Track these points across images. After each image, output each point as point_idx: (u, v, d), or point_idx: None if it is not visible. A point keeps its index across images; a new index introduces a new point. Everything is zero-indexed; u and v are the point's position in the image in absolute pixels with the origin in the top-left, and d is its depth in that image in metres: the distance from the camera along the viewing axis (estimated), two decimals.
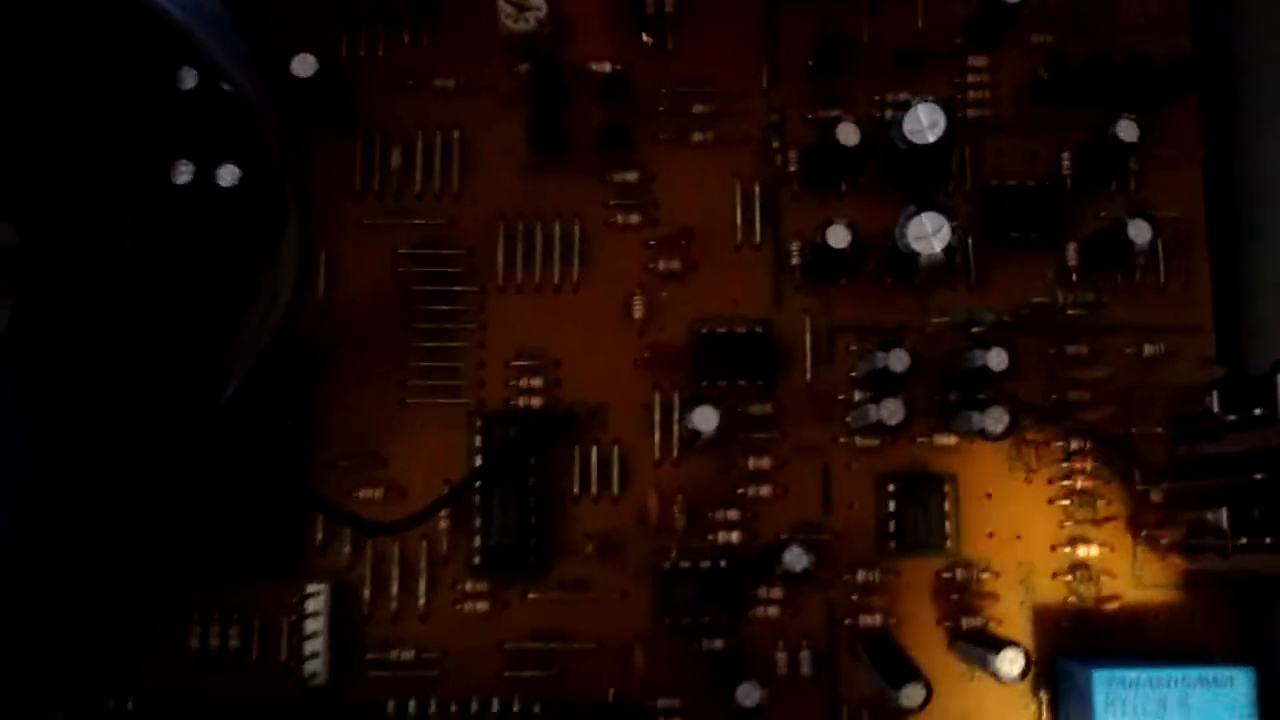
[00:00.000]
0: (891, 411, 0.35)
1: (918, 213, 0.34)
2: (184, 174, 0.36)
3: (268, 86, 0.31)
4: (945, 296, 0.38)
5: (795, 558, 0.34)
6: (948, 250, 0.34)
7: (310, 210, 0.32)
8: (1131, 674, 0.34)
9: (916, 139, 0.35)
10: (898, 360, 0.35)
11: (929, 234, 0.34)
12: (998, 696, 0.36)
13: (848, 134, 0.36)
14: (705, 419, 0.35)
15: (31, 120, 0.36)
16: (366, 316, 0.38)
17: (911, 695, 0.33)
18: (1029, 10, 0.37)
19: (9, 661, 0.34)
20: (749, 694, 0.34)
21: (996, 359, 0.35)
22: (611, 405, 0.38)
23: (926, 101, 0.34)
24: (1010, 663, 0.33)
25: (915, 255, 0.34)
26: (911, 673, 0.34)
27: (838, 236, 0.35)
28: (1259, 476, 0.32)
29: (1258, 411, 0.32)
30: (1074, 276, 0.38)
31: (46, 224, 0.35)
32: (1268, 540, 0.32)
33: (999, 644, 0.34)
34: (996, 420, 0.35)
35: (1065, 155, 0.38)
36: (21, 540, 0.31)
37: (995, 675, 0.33)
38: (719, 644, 0.36)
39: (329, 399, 0.37)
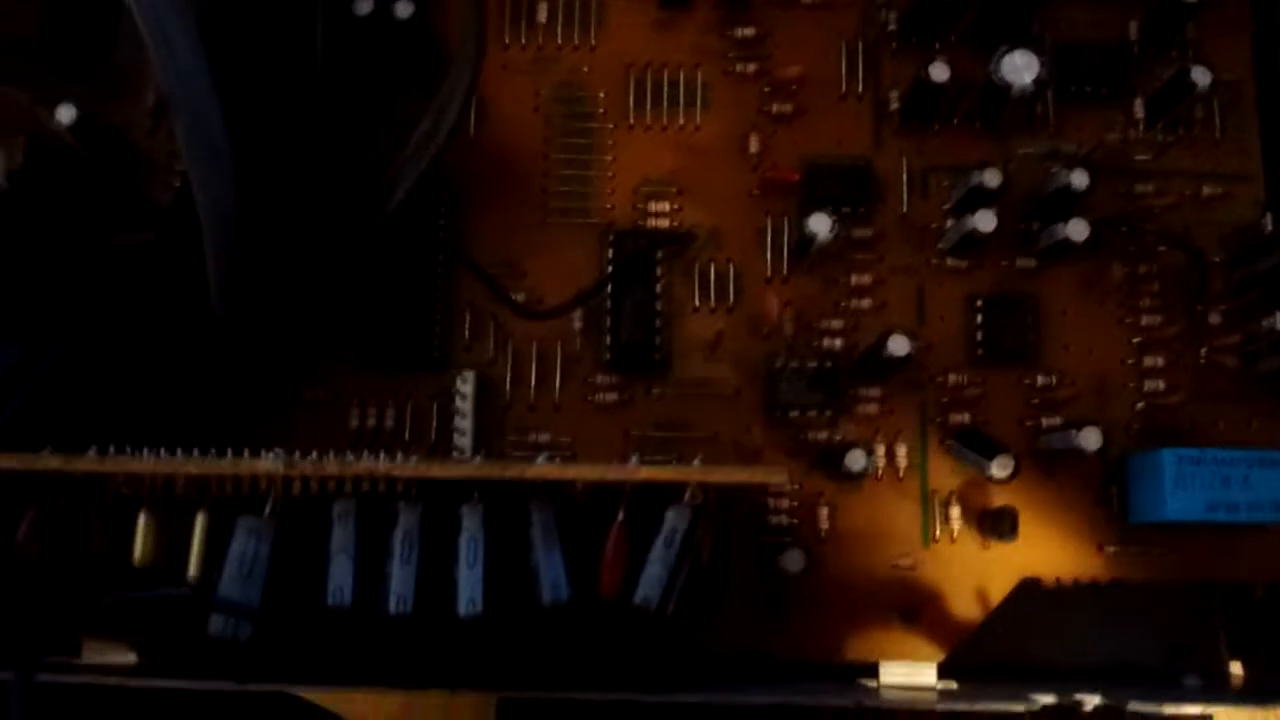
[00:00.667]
0: (984, 220, 0.39)
1: (1010, 50, 0.39)
2: (366, 6, 0.41)
3: None
4: (1027, 139, 0.43)
5: (898, 344, 0.38)
6: (1038, 81, 0.39)
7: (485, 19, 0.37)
8: (1199, 453, 0.38)
9: None
10: (991, 176, 0.39)
11: (1020, 68, 0.39)
12: (1077, 488, 0.40)
13: None
14: (819, 223, 0.39)
15: None
16: (511, 150, 0.43)
17: (1003, 464, 0.38)
18: None
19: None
20: (856, 459, 0.38)
21: (1079, 178, 0.39)
22: (728, 228, 0.42)
23: None
24: (1092, 439, 0.38)
25: (1008, 87, 0.39)
26: (1001, 448, 0.38)
27: (939, 71, 0.40)
28: None
29: None
30: (1141, 127, 0.43)
31: (250, 44, 0.40)
32: None
33: (1081, 424, 0.38)
34: (1079, 230, 0.39)
35: (1133, 22, 0.43)
36: (229, 287, 0.36)
37: (1078, 449, 0.38)
38: (823, 435, 0.41)
39: (478, 219, 0.42)
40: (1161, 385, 0.41)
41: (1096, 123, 0.43)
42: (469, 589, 0.31)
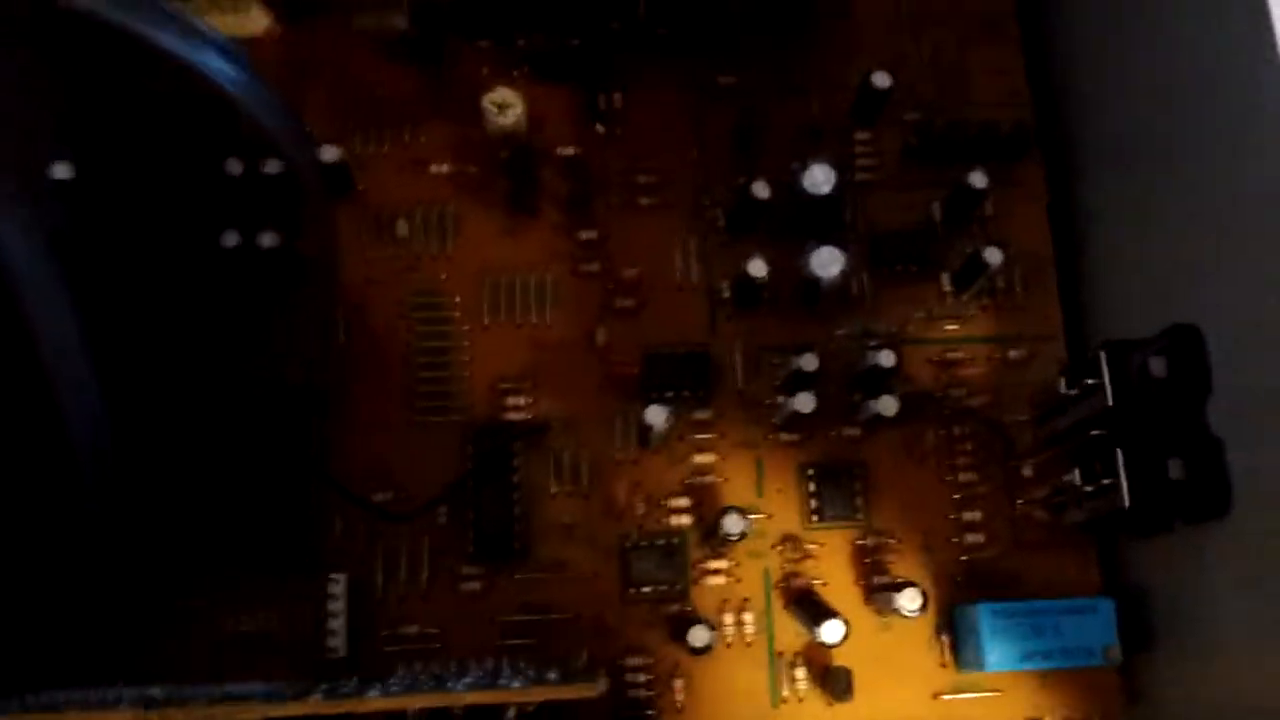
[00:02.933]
0: (804, 402, 0.43)
1: (818, 246, 0.43)
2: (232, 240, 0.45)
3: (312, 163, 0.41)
4: (846, 319, 0.47)
5: (733, 522, 0.42)
6: (843, 272, 0.43)
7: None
8: (1011, 606, 0.41)
9: (814, 190, 0.44)
10: (809, 361, 0.43)
11: (827, 263, 0.43)
12: (908, 642, 0.43)
13: (760, 189, 0.45)
14: (655, 415, 0.43)
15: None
16: (380, 356, 0.46)
17: (832, 630, 0.41)
18: (899, 94, 0.47)
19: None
20: (699, 636, 0.41)
21: (886, 358, 0.43)
22: (579, 417, 0.46)
23: (820, 162, 0.44)
24: (911, 599, 0.41)
25: (818, 280, 0.43)
26: (831, 613, 0.41)
27: (756, 268, 0.44)
28: (1094, 433, 0.40)
29: (1089, 382, 0.41)
30: (948, 299, 0.47)
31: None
32: (1105, 482, 0.40)
33: (901, 586, 0.41)
34: (889, 406, 0.43)
35: (936, 204, 0.48)
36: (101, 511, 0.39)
37: (899, 611, 0.41)
38: (675, 608, 0.44)
39: (347, 421, 0.45)
40: (982, 539, 0.44)
41: (909, 298, 0.47)
42: None
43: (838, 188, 0.44)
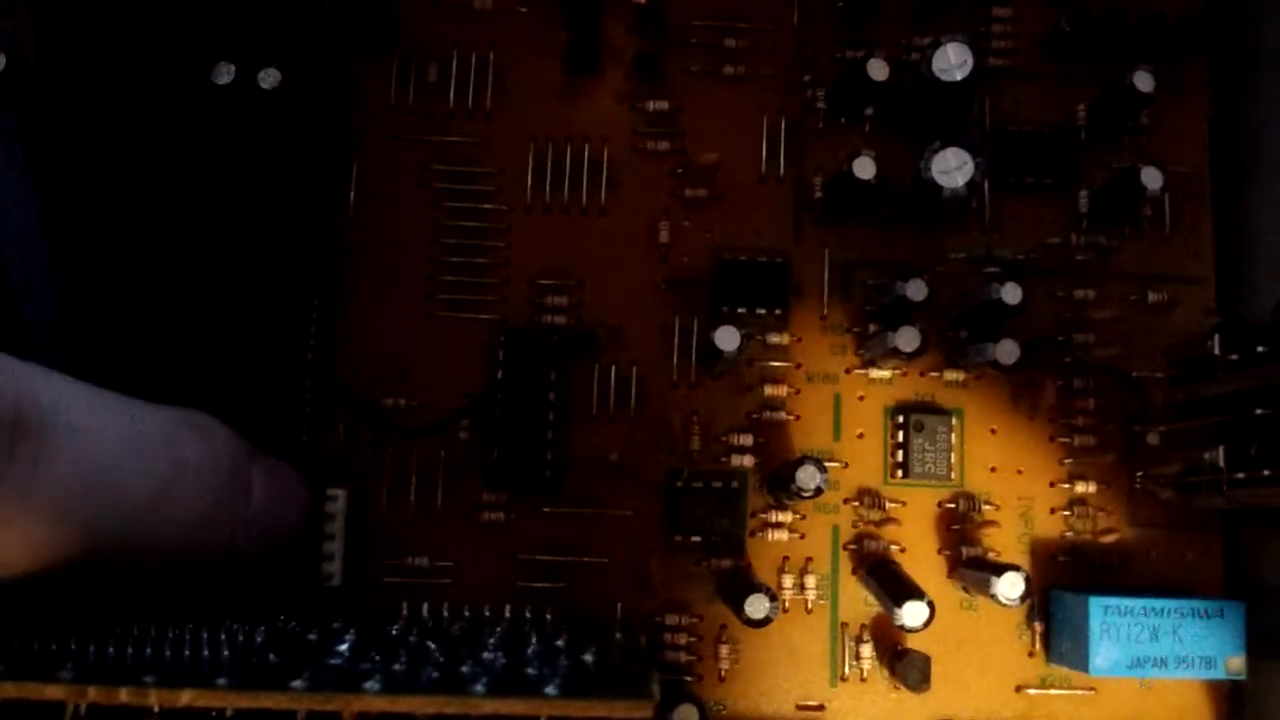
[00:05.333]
0: (907, 339, 0.36)
1: (943, 147, 0.35)
2: (225, 76, 0.36)
3: None
4: (959, 238, 0.39)
5: (809, 475, 0.35)
6: (970, 185, 0.35)
7: None
8: (1127, 602, 0.35)
9: (945, 76, 0.36)
10: (916, 289, 0.36)
11: (953, 168, 0.35)
12: (993, 627, 0.37)
13: (878, 69, 0.37)
14: (727, 337, 0.35)
15: None
16: (395, 230, 0.39)
17: (915, 613, 0.35)
18: None
19: None
20: (758, 605, 0.35)
21: (1012, 293, 0.36)
22: (632, 327, 0.38)
23: (956, 40, 0.36)
24: (1011, 585, 0.35)
25: (939, 189, 0.35)
26: (916, 592, 0.35)
27: (864, 167, 0.36)
28: (1259, 412, 0.33)
29: (1261, 349, 0.33)
30: (1084, 223, 0.39)
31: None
32: (1266, 473, 0.33)
33: (1000, 568, 0.35)
34: (1009, 352, 0.36)
35: (1081, 107, 0.39)
36: None
37: (995, 598, 0.35)
38: (728, 563, 0.37)
39: (355, 308, 0.38)
40: (1092, 514, 0.38)
41: (1036, 216, 0.39)
42: None
43: (974, 73, 0.36)
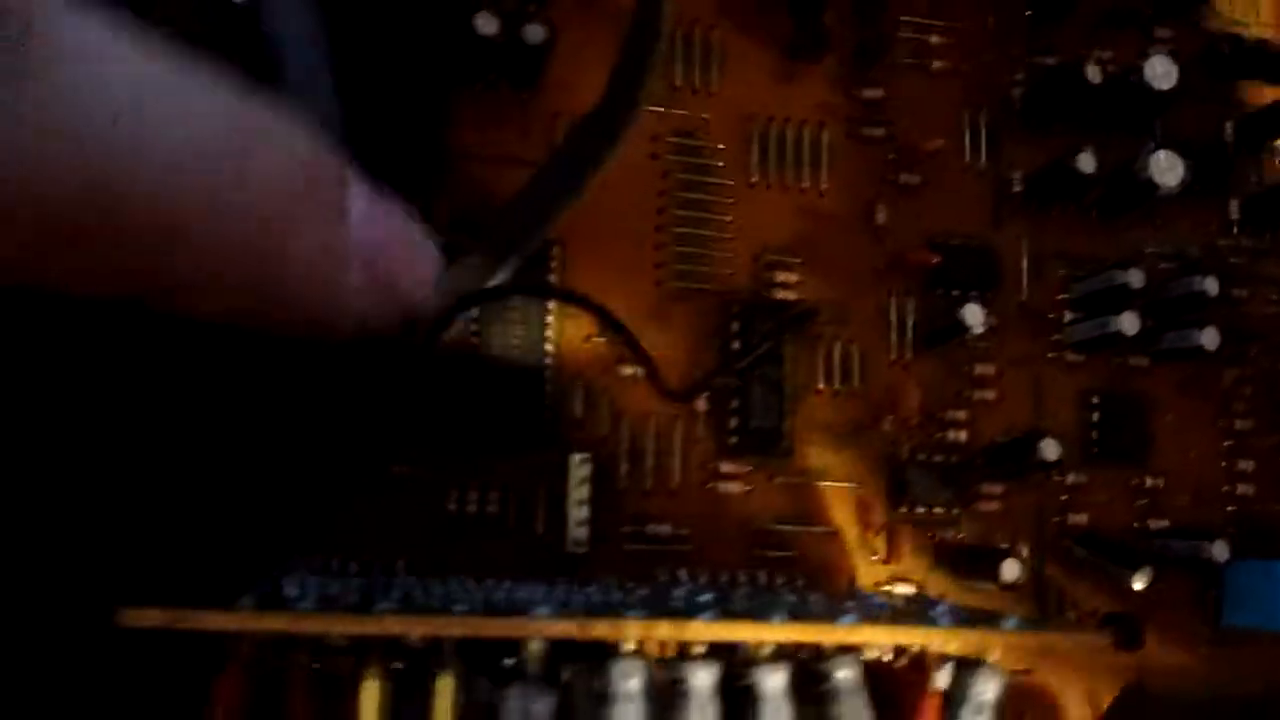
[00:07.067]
0: (1128, 323, 0.38)
1: (1158, 149, 0.39)
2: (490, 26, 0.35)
3: None
4: (1151, 239, 0.42)
5: (1050, 449, 0.37)
6: (1182, 184, 0.39)
7: None
8: None
9: (1153, 83, 0.39)
10: (1135, 277, 0.39)
11: (1165, 169, 0.39)
12: (1175, 589, 0.40)
13: (1094, 73, 0.40)
14: (974, 315, 0.37)
15: None
16: (624, 200, 0.38)
17: (1143, 577, 0.37)
18: None
19: None
20: (1010, 570, 0.36)
21: (1211, 284, 0.39)
22: (851, 305, 0.40)
23: (1161, 53, 0.39)
24: (1221, 550, 0.38)
25: (1155, 187, 0.38)
26: (1138, 556, 0.38)
27: (1086, 162, 0.39)
28: None
29: None
30: (1235, 230, 0.43)
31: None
32: None
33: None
34: (1211, 338, 0.39)
35: (1229, 123, 0.44)
36: None
37: (1212, 560, 0.38)
38: (948, 534, 0.39)
39: (580, 277, 0.37)
40: (1252, 490, 0.42)
41: (1190, 221, 0.43)
42: None
43: (1178, 86, 0.39)
